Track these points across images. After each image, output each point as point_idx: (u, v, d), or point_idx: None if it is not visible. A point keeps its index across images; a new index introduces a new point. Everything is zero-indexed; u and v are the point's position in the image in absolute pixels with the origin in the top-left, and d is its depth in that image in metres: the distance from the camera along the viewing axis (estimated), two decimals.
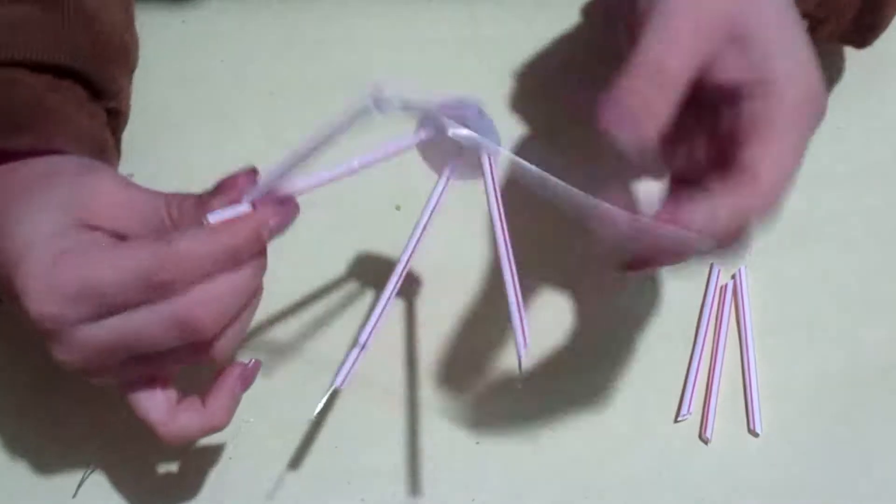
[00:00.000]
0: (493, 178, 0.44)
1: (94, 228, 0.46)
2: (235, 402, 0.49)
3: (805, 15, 0.52)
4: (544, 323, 0.58)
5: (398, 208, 0.60)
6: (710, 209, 0.43)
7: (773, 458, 0.55)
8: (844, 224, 0.61)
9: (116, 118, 0.56)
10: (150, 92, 0.61)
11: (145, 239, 0.45)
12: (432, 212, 0.45)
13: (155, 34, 0.61)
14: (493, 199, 0.44)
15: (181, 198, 0.46)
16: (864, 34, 0.57)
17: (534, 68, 0.66)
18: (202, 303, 0.44)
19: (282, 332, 0.57)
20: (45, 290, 0.44)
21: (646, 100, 0.43)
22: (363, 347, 0.45)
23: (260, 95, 0.65)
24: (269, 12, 0.67)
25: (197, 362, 0.46)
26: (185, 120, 0.62)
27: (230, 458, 0.55)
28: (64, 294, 0.43)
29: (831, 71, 0.63)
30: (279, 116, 0.64)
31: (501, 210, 0.44)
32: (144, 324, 0.44)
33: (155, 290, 0.43)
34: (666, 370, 0.57)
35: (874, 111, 0.63)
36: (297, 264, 0.59)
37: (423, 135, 0.45)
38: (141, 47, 0.60)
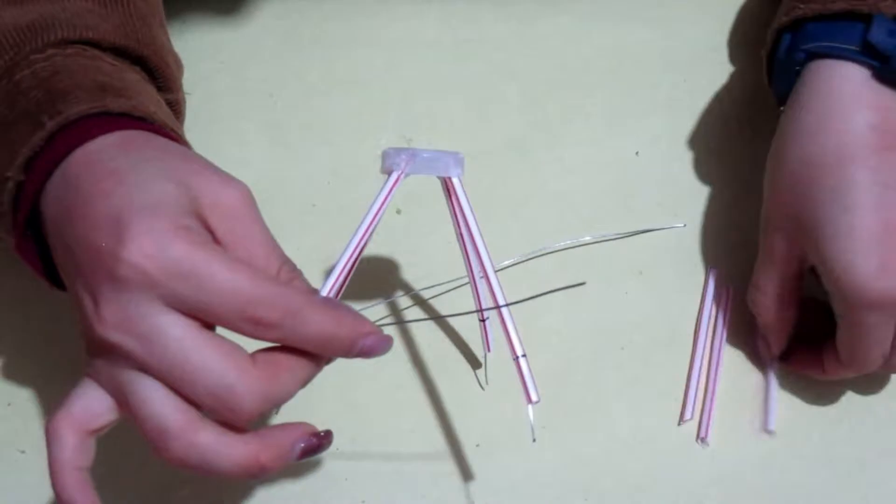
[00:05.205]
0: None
1: (208, 230, 0.43)
2: (283, 460, 0.44)
3: None
4: (545, 325, 0.58)
5: (398, 212, 0.60)
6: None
7: (772, 459, 0.55)
8: None
9: (177, 115, 0.56)
10: None
11: (266, 273, 0.43)
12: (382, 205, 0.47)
13: None
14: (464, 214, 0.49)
15: (297, 269, 0.46)
16: None
17: (534, 68, 0.66)
18: (252, 393, 0.42)
19: None
20: (153, 252, 0.41)
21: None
22: None
23: (260, 96, 0.65)
24: (268, 13, 0.67)
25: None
26: (185, 121, 0.62)
27: None
28: (167, 263, 0.41)
29: None
30: (279, 117, 0.64)
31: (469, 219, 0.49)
32: (198, 367, 0.41)
33: (242, 319, 0.42)
34: (666, 371, 0.57)
35: None
36: (298, 264, 0.59)
37: (406, 166, 0.47)
38: None
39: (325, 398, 0.56)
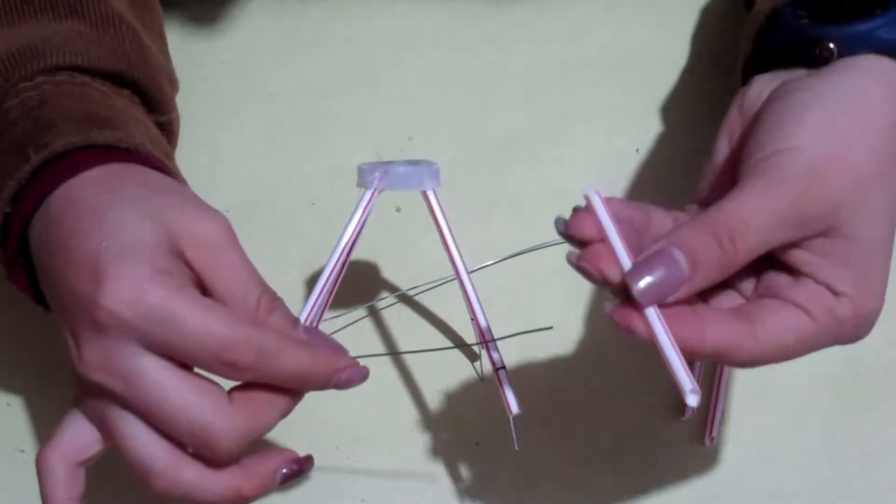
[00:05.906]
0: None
1: (187, 264, 0.43)
2: (265, 489, 0.45)
3: None
4: (546, 322, 0.58)
5: (398, 210, 0.60)
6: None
7: (773, 457, 0.55)
8: None
9: (169, 136, 0.55)
10: None
11: (240, 314, 0.43)
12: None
13: None
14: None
15: (277, 297, 0.45)
16: None
17: (534, 67, 0.66)
18: (228, 431, 0.42)
19: None
20: (130, 299, 0.41)
21: (700, 261, 0.41)
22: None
23: (260, 95, 0.65)
24: (268, 12, 0.67)
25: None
26: (185, 121, 0.61)
27: None
28: (144, 310, 0.41)
29: None
30: (279, 116, 0.64)
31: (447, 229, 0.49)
32: (176, 408, 0.42)
33: (217, 363, 0.42)
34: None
35: None
36: (299, 264, 0.60)
37: (379, 183, 0.48)
38: None
39: (324, 398, 0.56)
